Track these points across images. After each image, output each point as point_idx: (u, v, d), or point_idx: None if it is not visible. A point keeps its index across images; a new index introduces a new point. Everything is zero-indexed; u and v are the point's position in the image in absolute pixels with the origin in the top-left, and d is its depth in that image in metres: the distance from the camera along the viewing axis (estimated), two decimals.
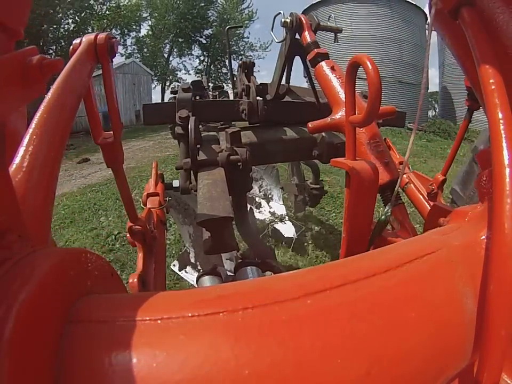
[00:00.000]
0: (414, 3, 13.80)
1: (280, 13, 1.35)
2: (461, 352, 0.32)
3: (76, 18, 18.04)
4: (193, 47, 24.38)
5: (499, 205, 0.30)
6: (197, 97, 1.78)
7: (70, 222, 4.11)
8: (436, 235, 0.42)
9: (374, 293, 0.31)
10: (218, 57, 24.26)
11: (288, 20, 1.27)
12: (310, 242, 2.98)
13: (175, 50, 24.20)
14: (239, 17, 23.31)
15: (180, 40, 23.43)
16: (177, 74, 25.80)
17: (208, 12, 22.98)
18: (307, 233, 3.07)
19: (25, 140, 0.46)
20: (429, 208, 1.25)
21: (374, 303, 0.30)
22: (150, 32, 23.17)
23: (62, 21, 17.78)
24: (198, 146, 1.12)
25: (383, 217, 0.67)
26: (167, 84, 24.03)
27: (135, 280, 1.01)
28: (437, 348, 0.30)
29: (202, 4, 22.23)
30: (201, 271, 1.83)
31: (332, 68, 1.09)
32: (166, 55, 24.14)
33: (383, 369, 0.28)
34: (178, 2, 21.04)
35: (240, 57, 23.35)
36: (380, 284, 0.32)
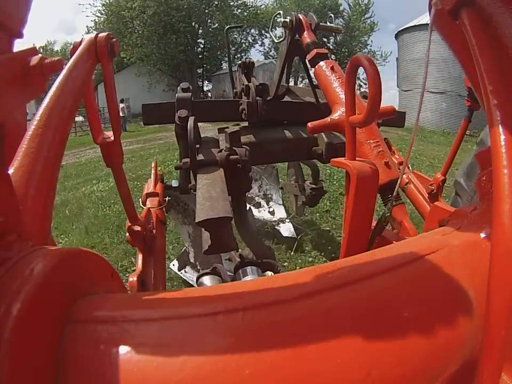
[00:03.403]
0: None
1: (279, 13, 1.35)
2: (461, 352, 0.32)
3: (220, 20, 22.46)
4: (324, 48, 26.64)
5: (499, 205, 0.30)
6: None
7: None
8: (436, 235, 0.42)
9: (374, 293, 0.31)
10: (345, 61, 26.83)
11: (287, 20, 1.26)
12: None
13: None
14: (362, 27, 24.97)
15: None
16: None
17: (335, 21, 24.67)
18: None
19: (25, 140, 0.46)
20: (429, 208, 1.25)
21: (374, 303, 0.30)
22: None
23: (209, 22, 22.44)
24: (197, 146, 1.12)
25: (383, 217, 0.67)
26: (299, 79, 26.42)
27: (135, 279, 1.01)
28: (436, 348, 0.30)
29: (330, 13, 23.76)
30: (200, 271, 1.83)
31: (332, 68, 1.09)
32: None
33: (383, 370, 0.28)
34: (308, 10, 23.53)
35: None
36: (380, 284, 0.32)
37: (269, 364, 0.25)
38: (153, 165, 1.61)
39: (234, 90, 1.66)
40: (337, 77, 1.05)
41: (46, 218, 0.45)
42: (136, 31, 20.97)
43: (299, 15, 1.27)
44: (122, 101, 15.90)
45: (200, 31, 22.90)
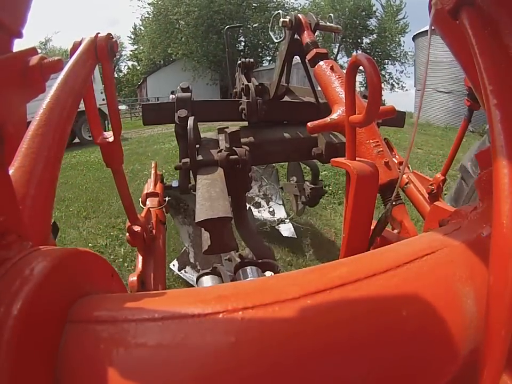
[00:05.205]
0: None
1: (279, 12, 1.35)
2: (461, 352, 0.32)
3: (260, 19, 23.98)
4: (358, 48, 27.06)
5: (499, 205, 0.30)
6: None
7: None
8: (436, 235, 0.42)
9: (374, 293, 0.31)
10: (378, 60, 27.04)
11: (287, 20, 1.26)
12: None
13: (342, 50, 27.12)
14: (395, 28, 25.46)
15: (348, 41, 26.62)
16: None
17: (368, 21, 26.00)
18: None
19: (25, 140, 0.46)
20: (429, 208, 1.25)
21: (373, 303, 0.30)
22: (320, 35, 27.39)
23: (249, 22, 23.71)
24: (197, 146, 1.12)
25: (383, 217, 0.66)
26: None
27: (135, 279, 1.02)
28: (437, 347, 0.30)
29: (364, 13, 25.15)
30: (200, 271, 1.83)
31: (331, 68, 1.09)
32: (335, 53, 27.65)
33: (383, 369, 0.28)
34: (343, 10, 24.08)
35: (395, 63, 26.29)
36: (380, 284, 0.32)
37: (269, 364, 0.25)
38: (153, 165, 1.61)
39: (234, 90, 1.66)
40: (337, 76, 1.05)
41: (46, 218, 0.45)
42: (181, 31, 22.52)
43: (299, 14, 1.27)
44: (172, 93, 19.38)
45: (241, 30, 24.14)
